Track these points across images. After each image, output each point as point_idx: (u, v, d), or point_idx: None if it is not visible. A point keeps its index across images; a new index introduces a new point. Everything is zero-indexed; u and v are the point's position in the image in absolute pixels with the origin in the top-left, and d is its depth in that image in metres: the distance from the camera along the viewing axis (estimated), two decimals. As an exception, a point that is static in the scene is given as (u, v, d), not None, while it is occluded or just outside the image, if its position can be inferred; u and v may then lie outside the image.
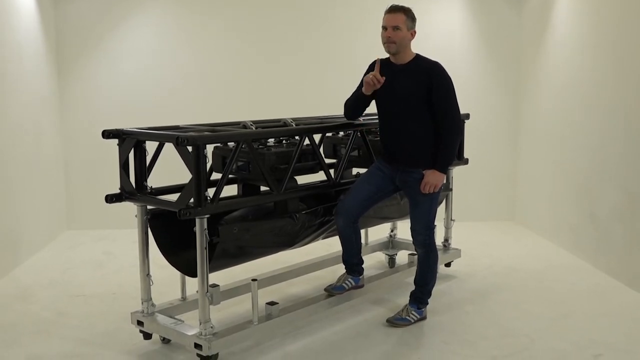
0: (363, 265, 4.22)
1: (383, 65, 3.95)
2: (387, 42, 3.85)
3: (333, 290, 4.08)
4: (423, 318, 4.16)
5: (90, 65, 6.60)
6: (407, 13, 3.85)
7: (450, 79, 3.90)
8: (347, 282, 4.13)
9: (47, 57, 6.31)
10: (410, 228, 4.05)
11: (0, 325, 4.13)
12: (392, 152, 4.01)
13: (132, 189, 3.67)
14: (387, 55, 3.97)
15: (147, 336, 3.81)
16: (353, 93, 4.08)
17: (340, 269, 5.18)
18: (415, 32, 3.89)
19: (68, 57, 6.56)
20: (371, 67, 4.02)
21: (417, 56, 3.94)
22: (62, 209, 6.64)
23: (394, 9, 3.86)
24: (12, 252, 5.36)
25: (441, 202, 4.95)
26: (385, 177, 4.04)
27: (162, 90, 6.69)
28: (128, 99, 6.64)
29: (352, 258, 4.13)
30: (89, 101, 6.63)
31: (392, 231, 5.39)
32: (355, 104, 4.06)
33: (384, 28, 3.86)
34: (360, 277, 4.20)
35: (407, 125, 3.92)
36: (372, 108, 4.16)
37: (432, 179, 3.89)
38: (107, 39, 6.60)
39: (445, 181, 4.02)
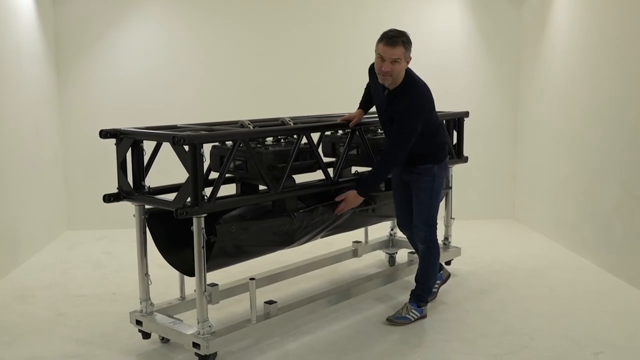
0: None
1: (375, 76, 3.93)
2: (383, 74, 3.75)
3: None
4: (423, 316, 4.15)
5: (89, 65, 6.60)
6: (406, 44, 3.72)
7: (417, 108, 3.78)
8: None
9: (46, 58, 6.31)
10: (412, 224, 4.06)
11: (0, 326, 4.13)
12: None
13: (130, 188, 3.67)
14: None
15: (146, 336, 3.80)
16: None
17: (339, 267, 5.21)
18: (410, 59, 3.80)
19: (67, 57, 6.57)
20: (369, 75, 4.07)
21: (405, 80, 3.82)
22: (62, 209, 6.65)
23: (393, 42, 3.69)
24: (12, 253, 5.36)
25: (441, 200, 4.94)
26: (398, 175, 4.15)
27: (160, 90, 6.69)
28: (127, 99, 6.64)
29: None
30: (88, 101, 6.63)
31: (392, 230, 5.38)
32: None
33: (381, 59, 3.73)
34: (441, 272, 4.43)
35: None
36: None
37: (348, 198, 3.98)
38: (106, 38, 6.60)
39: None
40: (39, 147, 6.05)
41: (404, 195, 4.17)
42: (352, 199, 3.99)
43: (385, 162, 3.94)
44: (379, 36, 3.78)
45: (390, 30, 3.74)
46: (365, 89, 4.26)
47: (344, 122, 4.21)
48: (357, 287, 4.31)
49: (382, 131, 4.23)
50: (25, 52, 5.76)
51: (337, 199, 4.03)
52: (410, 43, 3.76)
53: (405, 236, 4.45)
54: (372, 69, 4.02)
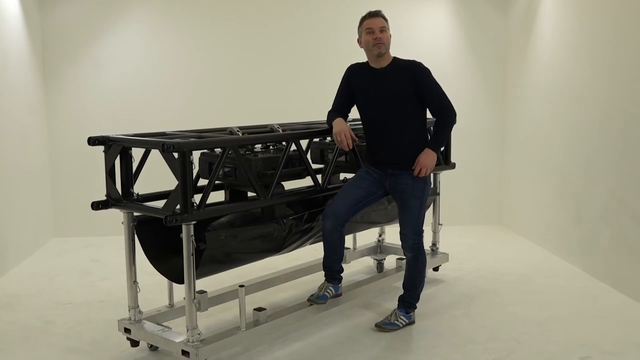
0: (342, 274, 4.15)
1: (359, 71, 4.04)
2: (377, 43, 3.90)
3: (317, 300, 4.02)
4: (411, 322, 4.16)
5: (77, 72, 6.58)
6: (385, 18, 4.00)
7: (430, 71, 3.97)
8: (328, 290, 4.06)
9: (33, 64, 6.28)
10: (400, 232, 4.05)
11: (-13, 334, 4.11)
12: (382, 156, 4.01)
13: (119, 195, 3.66)
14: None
15: (135, 343, 3.79)
16: (334, 103, 4.17)
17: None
18: (390, 35, 4.01)
19: (54, 64, 6.54)
20: (347, 74, 4.10)
21: (395, 58, 4.01)
22: (49, 216, 6.61)
23: (376, 14, 3.99)
24: (-1, 260, 5.34)
25: (429, 206, 4.97)
26: (374, 181, 4.04)
27: (149, 97, 6.68)
28: (115, 105, 6.62)
29: (334, 264, 4.07)
30: (75, 107, 6.61)
31: (380, 236, 5.40)
32: (337, 114, 4.10)
33: (370, 32, 3.92)
34: (339, 285, 4.15)
35: (397, 128, 3.93)
36: (353, 114, 4.19)
37: (425, 159, 3.93)
38: (93, 45, 6.59)
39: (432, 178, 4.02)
40: (26, 154, 6.02)
41: (366, 192, 4.01)
42: (430, 158, 3.93)
43: (452, 116, 3.97)
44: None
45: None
46: (337, 97, 4.17)
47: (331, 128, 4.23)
48: (345, 293, 4.32)
49: (367, 123, 4.07)
50: (11, 58, 5.73)
51: (416, 168, 3.91)
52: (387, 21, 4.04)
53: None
54: (351, 68, 4.13)
